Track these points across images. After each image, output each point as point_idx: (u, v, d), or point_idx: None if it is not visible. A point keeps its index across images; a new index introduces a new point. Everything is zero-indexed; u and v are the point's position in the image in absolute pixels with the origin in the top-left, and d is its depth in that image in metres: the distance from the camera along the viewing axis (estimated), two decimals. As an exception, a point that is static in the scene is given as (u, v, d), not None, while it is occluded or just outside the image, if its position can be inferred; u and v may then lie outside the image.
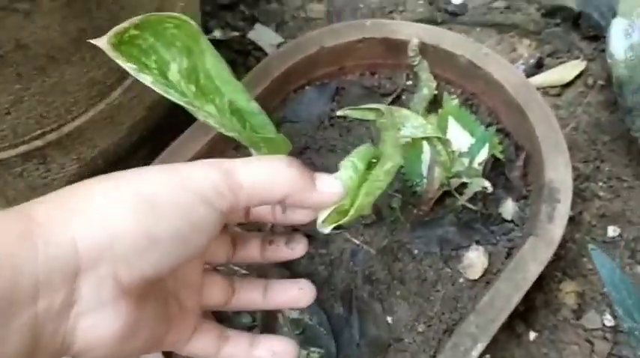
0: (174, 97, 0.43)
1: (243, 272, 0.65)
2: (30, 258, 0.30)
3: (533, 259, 0.61)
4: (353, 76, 0.78)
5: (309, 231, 0.66)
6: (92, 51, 0.55)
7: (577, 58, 0.88)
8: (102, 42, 0.41)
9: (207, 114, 0.44)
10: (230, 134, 0.47)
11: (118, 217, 0.33)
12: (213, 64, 0.49)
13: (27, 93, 0.53)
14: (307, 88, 0.77)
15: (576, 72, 0.85)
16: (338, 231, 0.67)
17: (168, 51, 0.47)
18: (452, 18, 0.91)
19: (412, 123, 0.54)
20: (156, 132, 0.72)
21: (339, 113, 0.55)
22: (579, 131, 0.82)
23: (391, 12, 0.93)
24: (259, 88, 0.71)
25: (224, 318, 0.63)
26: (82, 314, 0.32)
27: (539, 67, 0.87)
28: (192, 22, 0.46)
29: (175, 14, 0.45)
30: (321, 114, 0.75)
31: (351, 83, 0.77)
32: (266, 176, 0.38)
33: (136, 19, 0.43)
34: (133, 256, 0.33)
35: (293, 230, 0.53)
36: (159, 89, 0.42)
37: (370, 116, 0.56)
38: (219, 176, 0.36)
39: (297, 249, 0.50)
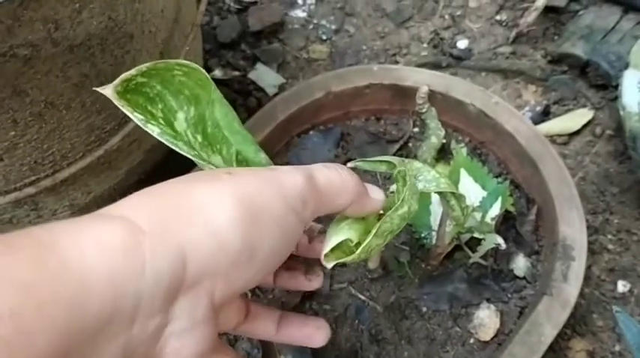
0: (182, 150, 0.40)
1: (243, 327, 0.62)
2: (135, 273, 0.26)
3: (547, 321, 0.58)
4: (358, 121, 0.76)
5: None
6: (93, 96, 0.52)
7: (584, 106, 0.86)
8: (108, 90, 0.39)
9: (214, 168, 0.42)
10: None
11: (226, 227, 0.30)
12: (224, 113, 0.47)
13: (22, 139, 0.51)
14: (311, 132, 0.75)
15: (584, 121, 0.84)
16: (343, 285, 0.64)
17: (176, 99, 0.45)
18: (457, 62, 0.89)
19: (425, 177, 0.52)
20: (153, 175, 0.69)
21: (349, 165, 0.53)
22: (587, 181, 0.80)
23: (394, 55, 0.91)
24: (264, 132, 0.68)
25: None
26: (174, 334, 0.29)
27: (545, 114, 0.85)
28: (202, 70, 0.44)
29: (184, 62, 0.43)
30: (325, 160, 0.72)
31: (357, 129, 0.75)
32: (338, 182, 0.37)
33: (143, 67, 0.41)
34: (233, 271, 0.30)
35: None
36: (166, 141, 0.40)
37: (382, 168, 0.54)
38: (305, 182, 0.35)
39: (315, 280, 0.46)
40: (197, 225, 0.29)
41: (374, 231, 0.41)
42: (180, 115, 0.45)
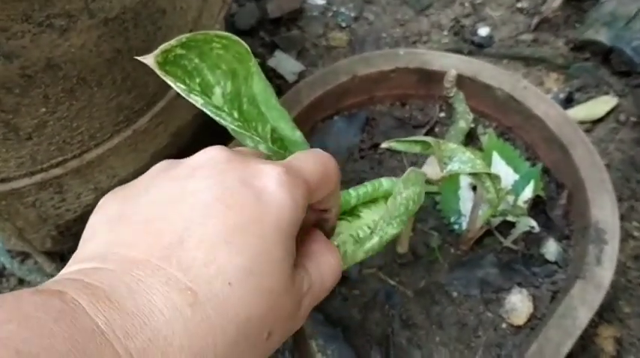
0: (225, 121, 0.39)
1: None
2: None
3: (582, 304, 0.57)
4: (383, 107, 0.75)
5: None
6: (124, 73, 0.51)
7: (606, 93, 0.85)
8: (150, 59, 0.38)
9: (258, 139, 0.41)
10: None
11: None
12: (262, 87, 0.46)
13: (52, 117, 0.49)
14: (336, 118, 0.74)
15: (608, 108, 0.83)
16: (372, 271, 0.63)
17: (213, 74, 0.44)
18: (478, 50, 0.89)
19: (460, 158, 0.51)
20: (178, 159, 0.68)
21: (383, 145, 0.52)
22: (612, 168, 0.79)
23: (414, 42, 0.90)
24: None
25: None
26: None
27: (568, 101, 0.84)
28: (242, 42, 0.43)
29: (224, 33, 0.42)
30: (350, 145, 0.71)
31: (382, 114, 0.74)
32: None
33: (183, 37, 0.40)
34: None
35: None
36: (209, 112, 0.39)
37: (416, 149, 0.53)
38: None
39: None
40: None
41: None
42: (217, 90, 0.44)
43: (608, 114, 0.84)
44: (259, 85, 0.46)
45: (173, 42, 0.40)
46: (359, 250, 0.41)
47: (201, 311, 0.25)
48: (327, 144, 0.71)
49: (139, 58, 0.38)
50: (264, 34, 0.91)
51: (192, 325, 0.25)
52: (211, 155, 0.32)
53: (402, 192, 0.43)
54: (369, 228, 0.46)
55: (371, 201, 0.48)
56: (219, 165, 0.30)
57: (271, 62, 0.88)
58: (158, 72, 0.38)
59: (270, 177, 0.29)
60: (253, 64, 0.44)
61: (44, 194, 0.59)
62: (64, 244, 0.70)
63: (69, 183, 0.58)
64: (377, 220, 0.41)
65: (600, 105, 0.83)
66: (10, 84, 0.44)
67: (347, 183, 0.69)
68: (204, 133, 0.70)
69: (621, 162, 0.80)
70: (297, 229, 0.30)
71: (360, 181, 0.69)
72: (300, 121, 0.70)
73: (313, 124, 0.73)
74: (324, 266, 0.34)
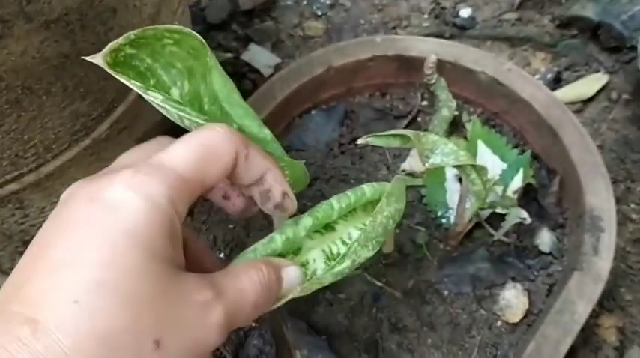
0: (191, 116, 0.35)
1: (252, 324, 0.58)
2: None
3: (580, 297, 0.54)
4: (362, 98, 0.71)
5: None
6: (75, 79, 0.48)
7: (596, 71, 0.82)
8: (98, 59, 0.34)
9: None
10: None
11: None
12: (222, 83, 0.42)
13: (0, 130, 0.46)
14: (313, 112, 0.70)
15: (598, 86, 0.79)
16: (357, 272, 0.60)
17: (168, 74, 0.40)
18: (460, 32, 0.85)
19: (442, 150, 0.48)
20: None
21: (359, 141, 0.48)
22: (605, 149, 0.76)
23: (394, 28, 0.87)
24: (262, 113, 0.64)
25: (234, 379, 0.55)
26: None
27: (557, 81, 0.81)
28: (195, 35, 0.39)
29: (175, 27, 0.38)
30: (329, 140, 0.68)
31: (361, 105, 0.70)
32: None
33: (131, 34, 0.36)
34: None
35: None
36: (172, 108, 0.35)
37: (395, 143, 0.49)
38: (223, 338, 0.31)
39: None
40: None
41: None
42: (175, 92, 0.41)
43: (599, 92, 0.80)
44: (219, 81, 0.42)
45: (121, 40, 0.36)
46: (327, 273, 0.37)
47: (46, 336, 0.24)
48: (304, 140, 0.68)
49: (86, 57, 0.35)
50: (237, 27, 0.87)
51: (40, 353, 0.24)
52: (69, 188, 0.31)
53: (384, 210, 0.39)
54: (343, 242, 0.42)
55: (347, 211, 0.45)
56: (71, 195, 0.30)
57: (245, 56, 0.84)
58: (109, 70, 0.35)
59: (116, 185, 0.28)
60: (210, 58, 0.41)
61: (4, 211, 0.55)
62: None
63: (29, 197, 0.55)
64: (352, 242, 0.37)
65: (590, 84, 0.80)
66: (-54, 98, 0.41)
67: (328, 180, 0.65)
68: (175, 136, 0.66)
69: (615, 142, 0.76)
70: (168, 227, 0.29)
71: (342, 178, 0.66)
72: (275, 117, 0.66)
73: (290, 120, 0.69)
74: (244, 279, 0.32)
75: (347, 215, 0.45)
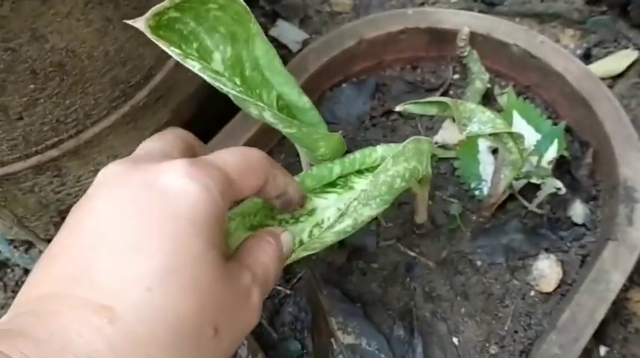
0: (226, 87, 0.35)
1: (287, 291, 0.58)
2: None
3: (614, 267, 0.54)
4: (393, 71, 0.71)
5: (357, 243, 0.59)
6: (116, 44, 0.48)
7: (625, 47, 0.81)
8: (140, 23, 0.35)
9: (263, 106, 0.37)
10: (287, 131, 0.40)
11: None
12: (264, 50, 0.42)
13: (42, 94, 0.46)
14: (344, 85, 0.70)
15: (628, 62, 0.79)
16: (390, 242, 0.60)
17: (211, 38, 0.40)
18: (489, 8, 0.84)
19: (479, 118, 0.47)
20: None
21: (397, 108, 0.48)
22: (636, 125, 0.75)
23: (422, 4, 0.86)
24: (294, 85, 0.63)
25: (269, 345, 0.56)
26: None
27: (586, 58, 0.80)
28: (241, 1, 0.39)
29: None
30: (361, 113, 0.68)
31: (392, 78, 0.70)
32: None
33: None
34: None
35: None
36: (208, 77, 0.35)
37: (432, 110, 0.49)
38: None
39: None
40: None
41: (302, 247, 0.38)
42: (217, 56, 0.41)
43: (629, 68, 0.79)
44: (261, 48, 0.42)
45: (166, 3, 0.36)
46: (328, 231, 0.37)
47: (121, 324, 0.24)
48: (336, 113, 0.68)
49: (128, 21, 0.35)
50: (265, 2, 0.87)
51: (116, 340, 0.24)
52: (108, 171, 0.30)
53: (388, 169, 0.38)
54: None
55: (367, 170, 0.45)
56: (117, 177, 0.29)
57: (273, 32, 0.84)
58: (150, 36, 0.35)
59: (173, 173, 0.28)
60: (253, 24, 0.41)
61: (42, 178, 0.56)
62: (67, 230, 0.67)
63: (67, 165, 0.56)
64: (351, 199, 0.37)
65: (620, 60, 0.79)
66: (-7, 59, 0.41)
67: (359, 152, 0.65)
68: (208, 108, 0.67)
69: (645, 118, 0.76)
70: (220, 219, 0.29)
71: (374, 150, 0.65)
72: (306, 90, 0.65)
73: (321, 93, 0.69)
74: (262, 255, 0.33)
75: (367, 174, 0.44)
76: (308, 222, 0.42)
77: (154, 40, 0.35)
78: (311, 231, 0.41)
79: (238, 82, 0.42)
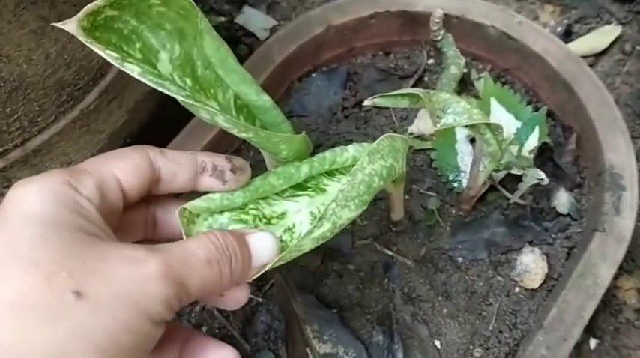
0: (170, 91, 0.32)
1: (259, 300, 0.55)
2: None
3: (602, 260, 0.52)
4: (364, 59, 0.68)
5: (331, 244, 0.56)
6: (57, 45, 0.44)
7: (608, 22, 0.78)
8: (71, 25, 0.31)
9: (213, 110, 0.34)
10: (243, 136, 0.37)
11: None
12: (215, 47, 0.39)
13: (-21, 103, 0.42)
14: (314, 75, 0.67)
15: (611, 38, 0.76)
16: (366, 242, 0.57)
17: (156, 36, 0.37)
18: (464, -14, 0.81)
19: (454, 109, 0.44)
20: (141, 138, 0.61)
21: (366, 103, 0.45)
22: (620, 104, 0.73)
23: (395, -16, 0.83)
24: (260, 78, 0.60)
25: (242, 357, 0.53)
26: None
27: (567, 35, 0.77)
28: None
29: None
30: (332, 104, 0.65)
31: (364, 66, 0.67)
32: (215, 281, 0.32)
33: None
34: None
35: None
36: (150, 82, 0.32)
37: (404, 103, 0.46)
38: (173, 292, 0.29)
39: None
40: None
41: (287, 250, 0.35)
42: (164, 55, 0.38)
43: (612, 45, 0.77)
44: (212, 46, 0.39)
45: (100, 2, 0.33)
46: (306, 238, 0.34)
47: None
48: (306, 105, 0.65)
49: (58, 24, 0.31)
50: (230, -11, 0.83)
51: None
52: None
53: (364, 168, 0.36)
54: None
55: (339, 172, 0.42)
56: None
57: (239, 19, 0.80)
58: (81, 38, 0.31)
59: (22, 182, 0.31)
60: (201, 19, 0.37)
61: (-8, 190, 0.52)
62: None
63: (17, 175, 0.52)
64: (328, 203, 0.35)
65: (602, 37, 0.76)
66: None
67: (331, 146, 0.62)
68: (167, 107, 0.63)
69: (630, 97, 0.73)
70: (74, 203, 0.30)
71: (346, 143, 0.62)
72: (273, 82, 0.63)
73: (289, 84, 0.66)
74: (187, 241, 0.33)
75: (340, 176, 0.42)
76: (279, 225, 0.40)
77: (86, 43, 0.31)
78: (281, 236, 0.39)
79: (190, 83, 0.39)
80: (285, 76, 0.65)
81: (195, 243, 0.32)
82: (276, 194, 0.41)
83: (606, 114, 0.57)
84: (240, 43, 0.78)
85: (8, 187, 0.52)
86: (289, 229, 0.40)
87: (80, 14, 0.32)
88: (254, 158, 0.62)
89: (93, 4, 0.32)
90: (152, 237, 0.39)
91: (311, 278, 0.55)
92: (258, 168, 0.36)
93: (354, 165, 0.41)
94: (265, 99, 0.43)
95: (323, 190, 0.42)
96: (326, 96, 0.65)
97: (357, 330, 0.53)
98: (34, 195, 0.29)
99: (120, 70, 0.51)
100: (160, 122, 0.60)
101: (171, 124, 0.58)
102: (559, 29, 0.78)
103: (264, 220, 0.39)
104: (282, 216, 0.39)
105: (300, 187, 0.41)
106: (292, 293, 0.53)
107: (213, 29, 0.39)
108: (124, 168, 0.33)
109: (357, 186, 0.36)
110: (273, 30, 0.79)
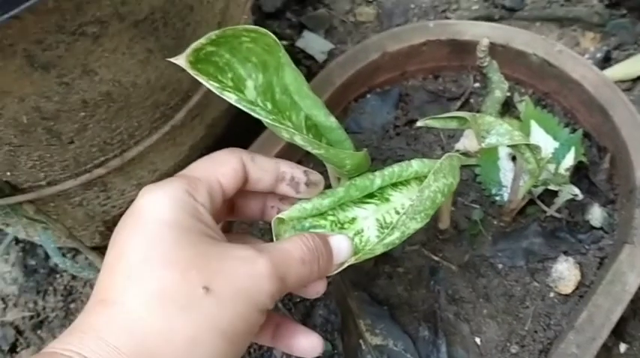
0: (259, 115, 0.39)
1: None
2: None
3: (631, 269, 0.57)
4: (415, 81, 0.74)
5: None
6: (157, 72, 0.52)
7: (646, 49, 0.83)
8: (181, 60, 0.38)
9: (293, 131, 0.41)
10: (316, 152, 0.44)
11: None
12: (293, 77, 0.46)
13: (92, 120, 0.50)
14: (368, 96, 0.73)
15: (648, 64, 0.80)
16: (415, 247, 0.63)
17: (244, 67, 0.44)
18: (509, 14, 0.87)
19: (497, 130, 0.50)
20: (214, 149, 0.69)
21: (418, 124, 0.52)
22: (656, 127, 0.77)
23: (444, 11, 0.89)
24: (321, 98, 0.66)
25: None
26: None
27: (606, 60, 0.82)
28: (270, 34, 0.43)
29: (252, 27, 0.42)
30: (385, 123, 0.71)
31: (415, 88, 0.73)
32: (306, 276, 0.38)
33: (212, 34, 0.40)
34: None
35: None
36: (244, 107, 0.39)
37: (452, 124, 0.52)
38: (277, 287, 0.35)
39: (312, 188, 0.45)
40: None
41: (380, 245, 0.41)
42: (250, 83, 0.44)
43: (649, 70, 0.81)
44: (290, 75, 0.46)
45: (203, 40, 0.40)
46: (378, 244, 0.41)
47: (111, 308, 0.32)
48: (361, 123, 0.71)
49: (171, 59, 0.38)
50: (291, 14, 0.91)
51: (108, 321, 0.31)
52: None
53: (430, 185, 0.42)
54: (397, 212, 0.46)
55: (401, 183, 0.48)
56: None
57: (300, 43, 0.87)
58: (190, 71, 0.38)
59: (145, 192, 0.37)
60: (283, 54, 0.44)
61: (90, 193, 0.60)
62: (112, 239, 0.72)
63: (112, 181, 0.60)
64: (400, 214, 0.41)
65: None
66: (50, 92, 0.45)
67: (384, 161, 0.69)
68: (238, 121, 0.71)
69: (665, 120, 0.77)
70: (194, 209, 0.36)
71: (397, 159, 0.69)
72: (333, 102, 0.70)
73: (346, 104, 0.73)
74: (283, 242, 0.39)
75: (401, 187, 0.48)
76: (350, 229, 0.45)
77: (194, 75, 0.38)
78: (353, 239, 0.45)
79: (269, 106, 0.46)
80: (344, 96, 0.71)
81: (291, 245, 0.38)
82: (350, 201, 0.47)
83: (638, 136, 0.62)
84: (300, 65, 0.85)
85: (104, 191, 0.60)
86: (359, 233, 0.45)
87: (188, 51, 0.38)
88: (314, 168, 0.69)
89: (197, 42, 0.39)
90: (230, 218, 0.46)
91: (364, 278, 0.62)
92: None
93: (416, 178, 0.48)
94: (332, 121, 0.50)
95: (387, 199, 0.47)
96: (380, 115, 0.71)
97: (405, 325, 0.59)
98: (165, 202, 0.34)
99: (205, 92, 0.60)
100: (232, 136, 0.68)
101: (241, 137, 0.66)
102: (598, 55, 0.83)
103: (339, 225, 0.45)
104: (352, 221, 0.45)
105: (368, 196, 0.47)
106: (348, 291, 0.60)
107: (292, 62, 0.46)
108: (225, 174, 0.39)
109: (424, 201, 0.42)
110: (330, 53, 0.86)
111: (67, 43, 0.42)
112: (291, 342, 0.43)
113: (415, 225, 0.42)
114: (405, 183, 0.49)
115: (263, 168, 0.42)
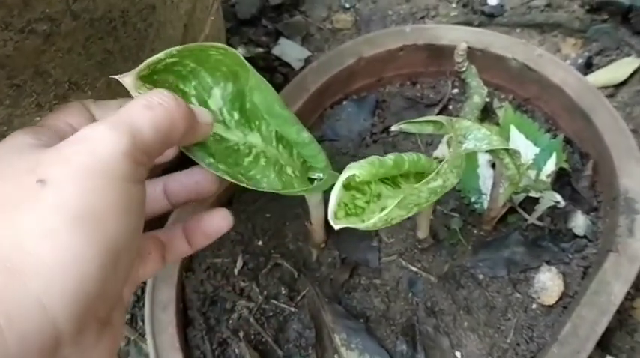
0: (196, 158, 0.39)
1: (291, 309, 0.59)
2: None
3: (616, 278, 0.55)
4: (393, 87, 0.72)
5: (359, 259, 0.60)
6: (118, 74, 0.49)
7: (628, 55, 0.81)
8: (128, 79, 0.36)
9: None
10: (274, 191, 0.43)
11: (73, 261, 0.27)
12: (262, 97, 0.43)
13: (48, 125, 0.48)
14: (345, 102, 0.71)
15: (630, 70, 0.79)
16: (392, 258, 0.61)
17: (212, 76, 0.41)
18: (489, 20, 0.85)
19: (475, 135, 0.48)
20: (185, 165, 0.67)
21: (393, 128, 0.50)
22: (639, 134, 0.76)
23: (422, 18, 0.87)
24: (295, 105, 0.65)
25: (274, 362, 0.57)
26: None
27: (588, 66, 0.81)
28: (239, 56, 0.40)
29: (220, 45, 0.39)
30: (361, 130, 0.69)
31: (392, 95, 0.71)
32: (165, 121, 0.33)
33: (173, 50, 0.37)
34: (101, 288, 0.28)
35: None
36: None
37: (428, 129, 0.50)
38: (126, 141, 0.30)
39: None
40: (44, 266, 0.27)
41: (396, 201, 0.38)
42: (216, 91, 0.42)
43: (631, 76, 0.80)
44: (259, 96, 0.43)
45: (161, 55, 0.37)
46: (424, 186, 0.39)
47: None
48: (337, 130, 0.69)
49: (116, 77, 0.36)
50: (267, 22, 0.88)
51: None
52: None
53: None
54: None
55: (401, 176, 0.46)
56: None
57: (276, 50, 0.85)
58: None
59: None
60: (252, 75, 0.42)
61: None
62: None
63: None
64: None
65: (622, 68, 0.80)
66: (0, 95, 0.43)
67: (361, 169, 0.66)
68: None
69: (648, 127, 0.76)
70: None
71: (375, 166, 0.66)
72: (308, 109, 0.68)
73: (322, 111, 0.71)
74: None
75: (405, 179, 0.46)
76: (378, 203, 0.42)
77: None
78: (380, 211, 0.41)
79: (236, 116, 0.43)
80: (319, 103, 0.69)
81: (134, 100, 0.33)
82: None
83: (622, 142, 0.61)
84: (276, 73, 0.83)
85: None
86: (384, 209, 0.42)
87: (139, 67, 0.35)
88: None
89: (153, 57, 0.36)
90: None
91: (340, 291, 0.59)
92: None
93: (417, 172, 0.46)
94: (304, 136, 0.47)
95: (399, 186, 0.45)
96: (356, 122, 0.69)
97: (382, 340, 0.56)
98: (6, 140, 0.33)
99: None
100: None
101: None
102: (580, 61, 0.81)
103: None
104: (379, 196, 0.42)
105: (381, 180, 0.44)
106: (322, 304, 0.57)
107: (263, 80, 0.43)
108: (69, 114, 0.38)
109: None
110: (307, 60, 0.84)
111: (15, 41, 0.40)
112: (204, 229, 0.40)
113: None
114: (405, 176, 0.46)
115: (110, 107, 0.38)
